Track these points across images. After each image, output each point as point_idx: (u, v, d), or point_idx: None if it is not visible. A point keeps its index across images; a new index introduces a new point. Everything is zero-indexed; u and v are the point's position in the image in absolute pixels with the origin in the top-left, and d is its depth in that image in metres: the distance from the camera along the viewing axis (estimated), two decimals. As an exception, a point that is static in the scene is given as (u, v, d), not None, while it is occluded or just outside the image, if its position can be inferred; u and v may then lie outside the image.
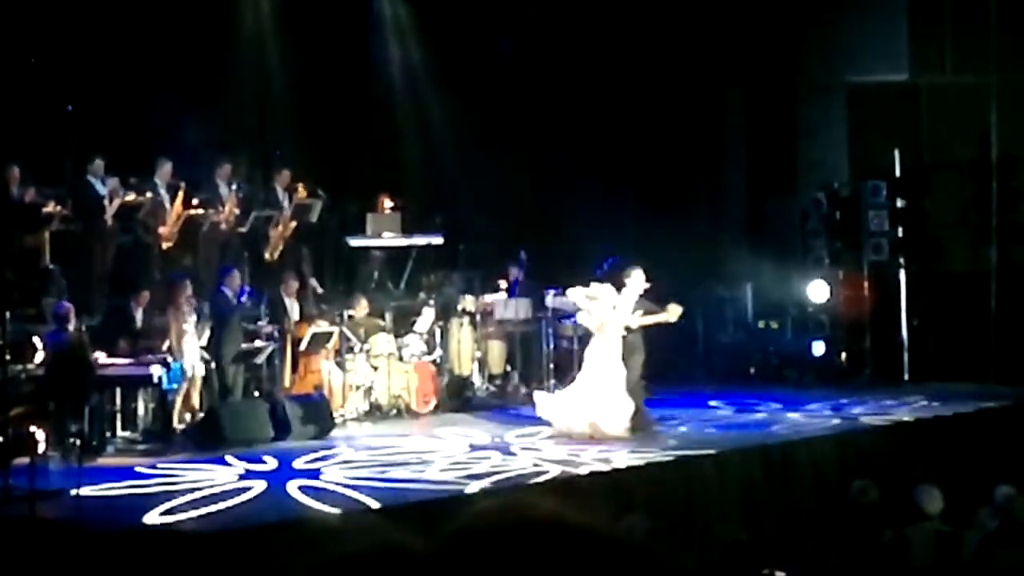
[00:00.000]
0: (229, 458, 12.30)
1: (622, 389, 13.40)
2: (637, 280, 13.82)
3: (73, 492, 10.35)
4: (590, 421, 13.36)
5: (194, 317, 14.10)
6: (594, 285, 13.85)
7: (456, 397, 16.42)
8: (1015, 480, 9.87)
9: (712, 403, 16.21)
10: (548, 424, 13.71)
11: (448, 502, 10.25)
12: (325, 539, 1.60)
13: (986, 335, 18.53)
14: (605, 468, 11.91)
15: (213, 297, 14.72)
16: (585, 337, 17.29)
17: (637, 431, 13.39)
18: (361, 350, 15.57)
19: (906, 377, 18.45)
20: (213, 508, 10.22)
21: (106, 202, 15.52)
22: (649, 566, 1.58)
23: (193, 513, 10.02)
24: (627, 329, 13.70)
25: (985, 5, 19.14)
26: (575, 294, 13.96)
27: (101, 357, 13.19)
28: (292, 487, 11.01)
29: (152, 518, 9.88)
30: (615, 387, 13.40)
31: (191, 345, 13.94)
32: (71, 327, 13.06)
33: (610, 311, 13.64)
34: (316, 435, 13.70)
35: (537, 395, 14.18)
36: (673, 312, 13.82)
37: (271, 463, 12.18)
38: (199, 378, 14.10)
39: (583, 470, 11.82)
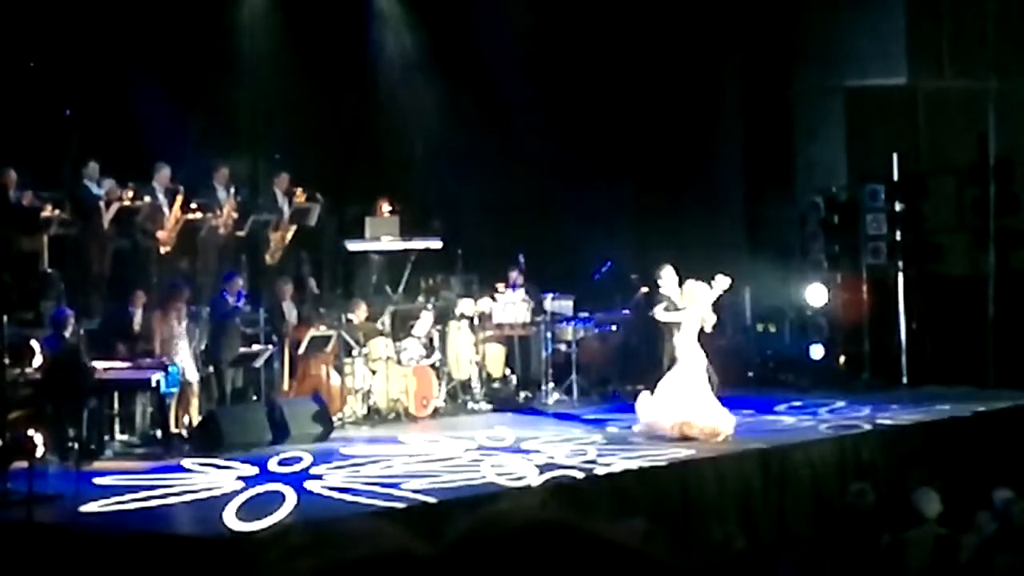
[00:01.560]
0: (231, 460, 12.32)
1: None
2: (670, 276, 14.00)
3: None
4: (687, 419, 13.37)
5: (187, 322, 14.09)
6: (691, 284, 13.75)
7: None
8: (1013, 484, 9.88)
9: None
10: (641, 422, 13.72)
11: (446, 506, 10.25)
12: (328, 543, 1.61)
13: (984, 339, 18.53)
14: (603, 472, 11.91)
15: (213, 301, 14.71)
16: (583, 341, 17.37)
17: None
18: (360, 354, 15.58)
19: (904, 380, 18.44)
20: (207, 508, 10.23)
21: (103, 205, 15.52)
22: (648, 569, 1.59)
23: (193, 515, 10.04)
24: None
25: (983, 9, 19.15)
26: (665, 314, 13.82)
27: (99, 364, 13.17)
28: (293, 491, 11.01)
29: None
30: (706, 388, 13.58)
31: (182, 350, 13.92)
32: (68, 333, 13.05)
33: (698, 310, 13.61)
34: (315, 439, 13.70)
35: (642, 397, 13.89)
36: (721, 282, 13.69)
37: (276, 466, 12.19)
38: (195, 382, 14.09)
39: (581, 474, 11.81)
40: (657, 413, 13.56)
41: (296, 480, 11.44)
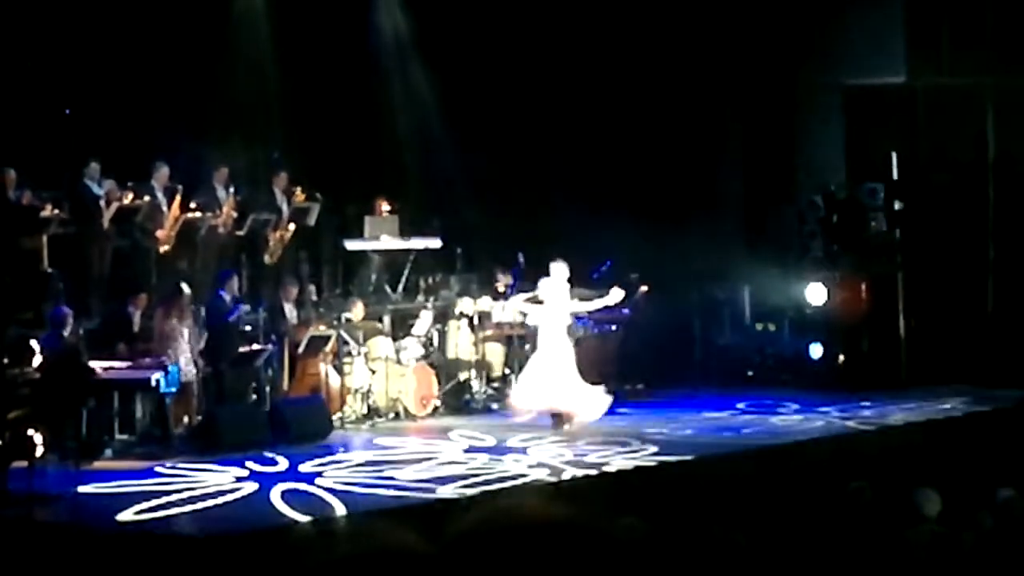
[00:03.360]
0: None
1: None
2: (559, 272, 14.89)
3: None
4: (568, 405, 14.36)
5: (188, 322, 14.09)
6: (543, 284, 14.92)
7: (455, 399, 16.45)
8: (1013, 482, 9.87)
9: (710, 406, 16.21)
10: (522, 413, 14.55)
11: (446, 505, 10.25)
12: (327, 542, 1.62)
13: (984, 337, 18.53)
14: (601, 470, 11.91)
15: (210, 301, 14.70)
16: (582, 340, 17.37)
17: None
18: (359, 353, 15.57)
19: (904, 379, 18.44)
20: (210, 509, 10.22)
21: (103, 204, 15.51)
22: (647, 566, 1.59)
23: (188, 512, 10.03)
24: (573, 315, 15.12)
25: (982, 8, 19.15)
26: (517, 303, 15.26)
27: (98, 363, 13.17)
28: (293, 491, 11.00)
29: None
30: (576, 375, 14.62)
31: (183, 349, 13.91)
32: (67, 332, 13.05)
33: (553, 305, 14.69)
34: (314, 438, 13.70)
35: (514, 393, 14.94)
36: (615, 295, 14.96)
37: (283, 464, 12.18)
38: (194, 382, 14.08)
39: (579, 472, 11.82)
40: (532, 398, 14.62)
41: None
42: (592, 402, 14.48)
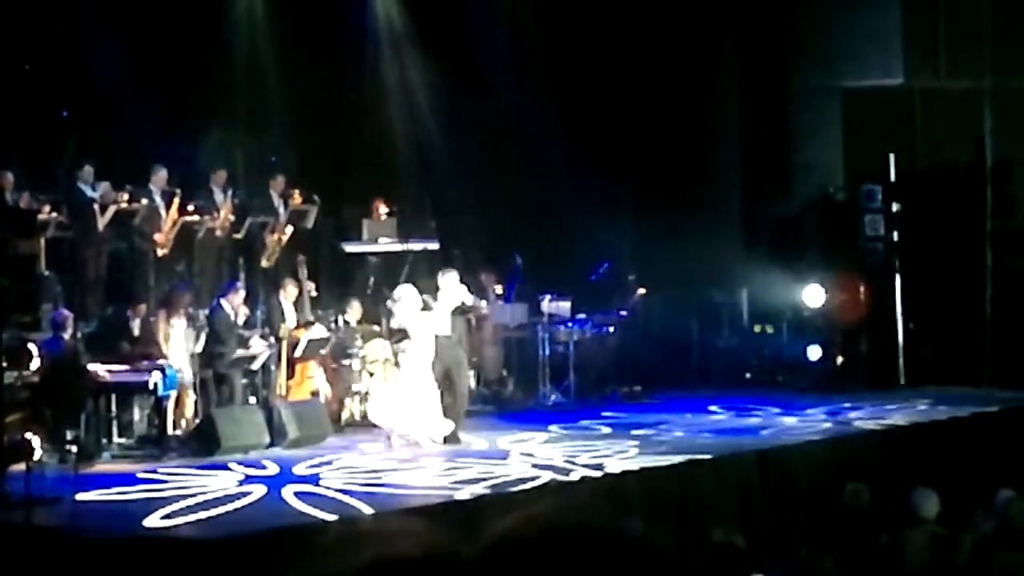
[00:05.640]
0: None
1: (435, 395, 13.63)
2: (451, 282, 13.96)
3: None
4: (415, 425, 13.45)
5: (184, 323, 14.08)
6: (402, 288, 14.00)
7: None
8: (1010, 484, 9.87)
9: (708, 407, 16.21)
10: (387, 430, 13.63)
11: (446, 507, 10.24)
12: (363, 541, 1.61)
13: (981, 339, 18.54)
14: (601, 473, 11.89)
15: (212, 309, 14.66)
16: (580, 342, 17.38)
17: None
18: (357, 356, 15.56)
19: (902, 381, 18.46)
20: (222, 512, 10.19)
21: (97, 208, 15.50)
22: (671, 568, 1.59)
23: (199, 517, 10.00)
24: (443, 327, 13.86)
25: (979, 10, 19.16)
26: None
27: (97, 367, 13.16)
28: (297, 492, 10.98)
29: (153, 521, 9.84)
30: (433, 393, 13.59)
31: (179, 351, 13.90)
32: (67, 335, 13.05)
33: (418, 314, 13.73)
34: (312, 441, 13.69)
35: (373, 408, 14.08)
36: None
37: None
38: (189, 384, 14.07)
39: (578, 475, 11.80)
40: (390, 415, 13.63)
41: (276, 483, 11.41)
42: (434, 425, 13.48)
